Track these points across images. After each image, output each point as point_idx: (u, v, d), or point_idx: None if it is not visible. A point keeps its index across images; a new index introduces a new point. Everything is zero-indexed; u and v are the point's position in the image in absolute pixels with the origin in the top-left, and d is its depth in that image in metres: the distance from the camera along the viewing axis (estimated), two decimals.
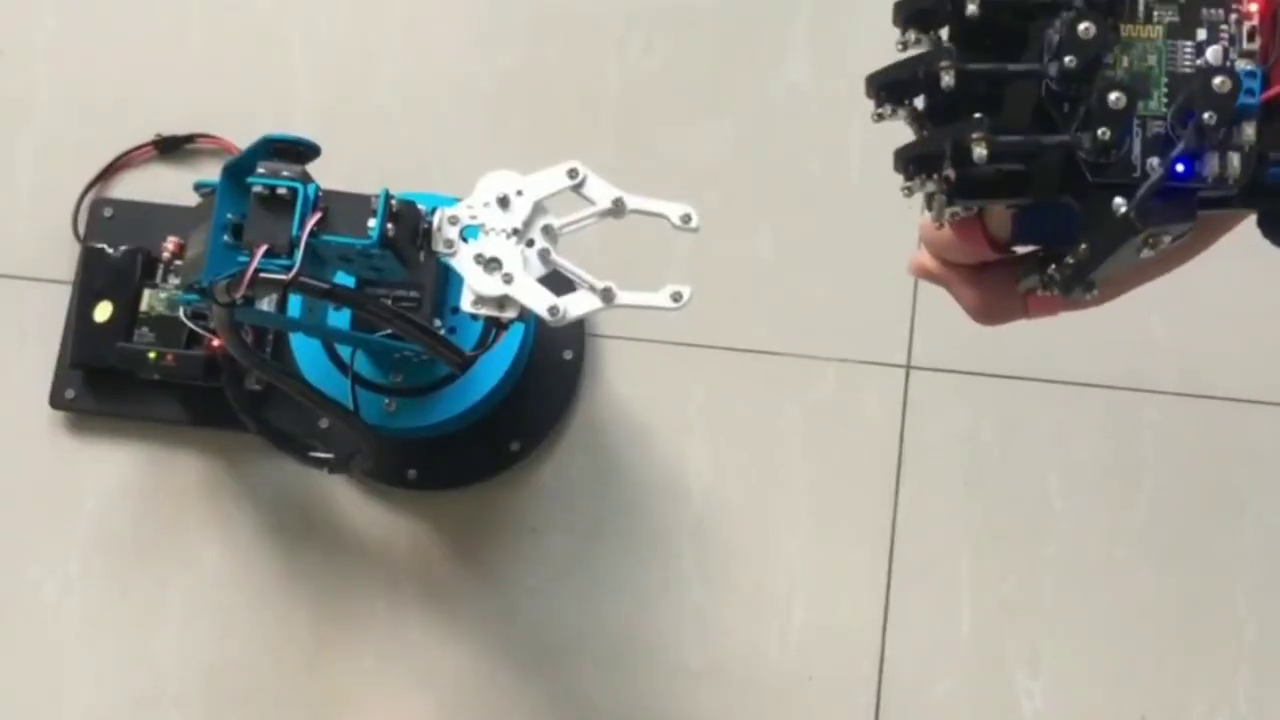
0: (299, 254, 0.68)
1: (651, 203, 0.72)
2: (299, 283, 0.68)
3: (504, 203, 0.71)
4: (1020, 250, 0.47)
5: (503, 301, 0.70)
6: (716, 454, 0.93)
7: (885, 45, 0.99)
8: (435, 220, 0.71)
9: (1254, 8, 0.39)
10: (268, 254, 0.68)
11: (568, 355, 0.94)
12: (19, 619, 0.93)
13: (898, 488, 0.92)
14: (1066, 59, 0.39)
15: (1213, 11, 0.39)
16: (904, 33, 0.44)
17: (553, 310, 0.69)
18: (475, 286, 0.69)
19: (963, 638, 0.90)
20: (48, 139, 1.01)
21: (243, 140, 0.97)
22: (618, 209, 0.71)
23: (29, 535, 0.94)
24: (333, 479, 0.93)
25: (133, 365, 0.91)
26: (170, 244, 0.95)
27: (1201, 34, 0.39)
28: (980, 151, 0.39)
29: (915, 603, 0.90)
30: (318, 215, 0.69)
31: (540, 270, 0.70)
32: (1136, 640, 0.89)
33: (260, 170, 0.70)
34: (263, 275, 0.67)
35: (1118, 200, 0.39)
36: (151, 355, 0.91)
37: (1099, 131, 0.39)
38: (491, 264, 0.70)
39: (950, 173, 0.41)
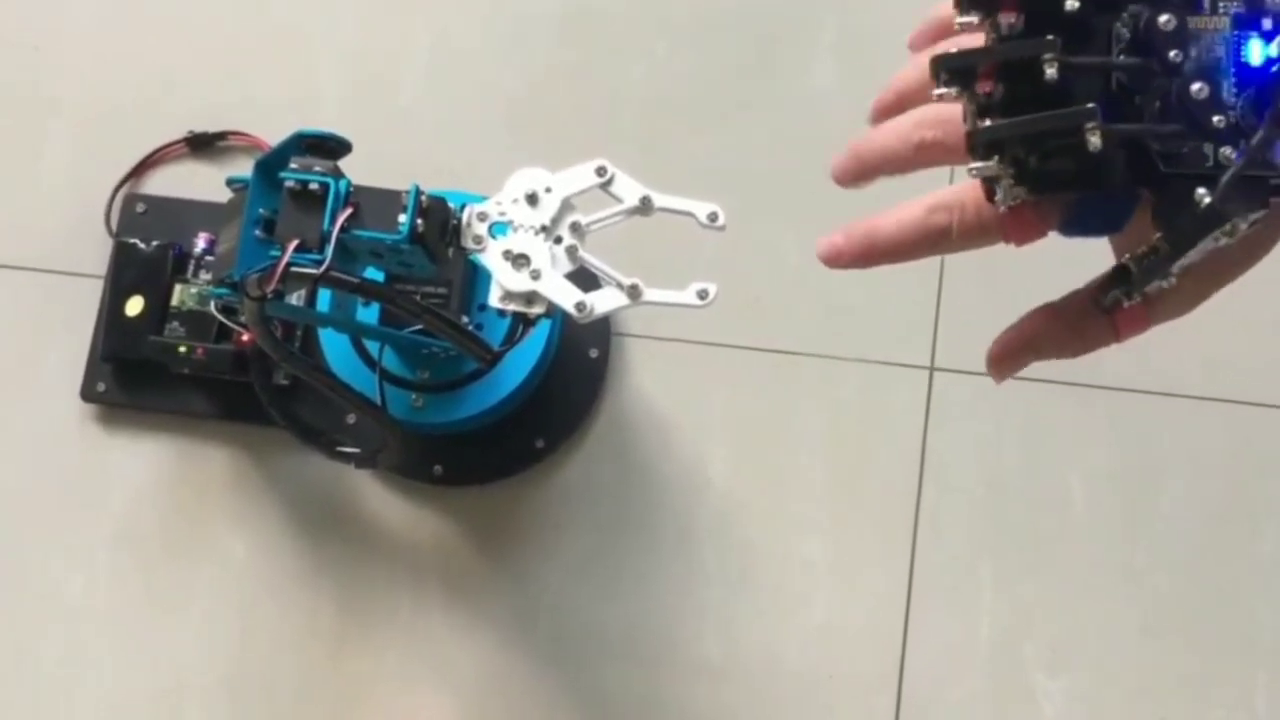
0: (330, 249, 0.68)
1: (679, 201, 0.72)
2: (330, 277, 0.69)
3: (533, 200, 0.71)
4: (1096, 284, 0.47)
5: (530, 297, 0.70)
6: (739, 453, 0.94)
7: (907, 51, 0.99)
8: (464, 216, 0.71)
9: None
10: (299, 249, 0.69)
11: (593, 353, 0.95)
12: (45, 609, 0.94)
13: (920, 489, 0.92)
14: (1171, 53, 0.39)
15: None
16: (963, 13, 0.43)
17: (580, 306, 0.69)
18: (503, 282, 0.70)
19: (983, 639, 0.90)
20: (81, 135, 1.02)
21: (273, 138, 0.98)
22: (645, 207, 0.72)
23: (57, 526, 0.95)
24: (359, 474, 0.94)
25: (163, 359, 0.92)
26: (201, 239, 0.96)
27: (1267, 23, 0.39)
28: (1095, 141, 0.39)
29: (936, 603, 0.91)
30: (349, 210, 0.70)
31: (568, 267, 0.71)
32: (1156, 644, 0.89)
33: (292, 165, 0.70)
34: (294, 269, 0.68)
35: (1200, 191, 0.39)
36: (182, 349, 0.92)
37: (1213, 119, 0.39)
38: (520, 260, 0.70)
39: (1033, 160, 0.41)
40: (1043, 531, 0.91)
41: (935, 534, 0.91)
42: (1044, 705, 0.89)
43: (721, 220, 0.71)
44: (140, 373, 0.95)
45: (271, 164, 0.71)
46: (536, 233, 0.71)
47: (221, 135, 1.00)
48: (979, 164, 0.43)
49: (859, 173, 0.53)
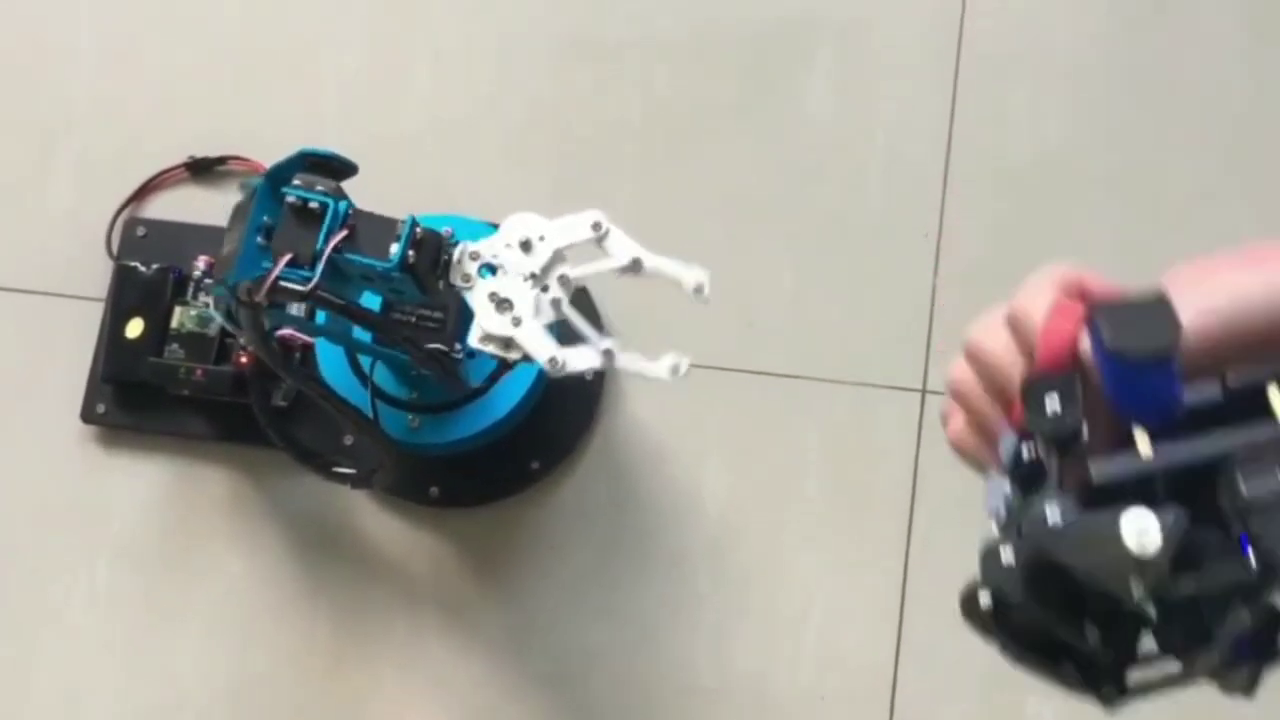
0: (320, 267, 0.69)
1: (669, 264, 0.73)
2: (316, 295, 0.70)
3: (526, 246, 0.72)
4: None
5: (508, 343, 0.71)
6: (733, 475, 0.94)
7: (903, 80, 1.01)
8: (457, 254, 0.72)
9: None
10: (291, 263, 0.70)
11: (589, 376, 0.95)
12: (46, 628, 0.95)
13: (912, 510, 0.93)
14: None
15: None
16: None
17: (552, 361, 0.70)
18: (484, 324, 0.71)
19: (975, 659, 0.91)
20: (83, 160, 1.03)
21: (272, 160, 0.99)
22: (635, 267, 0.73)
23: (57, 546, 0.96)
24: (355, 496, 0.95)
25: (163, 380, 0.93)
26: (201, 262, 0.97)
27: None
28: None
29: (928, 624, 0.91)
30: (344, 233, 0.71)
31: (550, 317, 0.72)
32: None
33: (296, 182, 0.71)
34: (282, 283, 0.69)
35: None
36: (181, 371, 0.93)
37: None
38: (504, 304, 0.71)
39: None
40: None
41: (927, 555, 0.92)
42: None
43: (707, 292, 0.72)
44: (140, 394, 0.96)
45: (280, 175, 0.72)
46: (525, 279, 0.72)
47: (221, 160, 1.01)
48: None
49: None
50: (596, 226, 0.73)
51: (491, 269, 0.72)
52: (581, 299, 0.96)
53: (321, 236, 0.70)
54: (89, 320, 0.98)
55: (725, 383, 0.96)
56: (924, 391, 0.95)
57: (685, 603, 0.93)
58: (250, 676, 0.94)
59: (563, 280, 0.72)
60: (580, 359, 0.71)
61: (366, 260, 0.71)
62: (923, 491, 0.93)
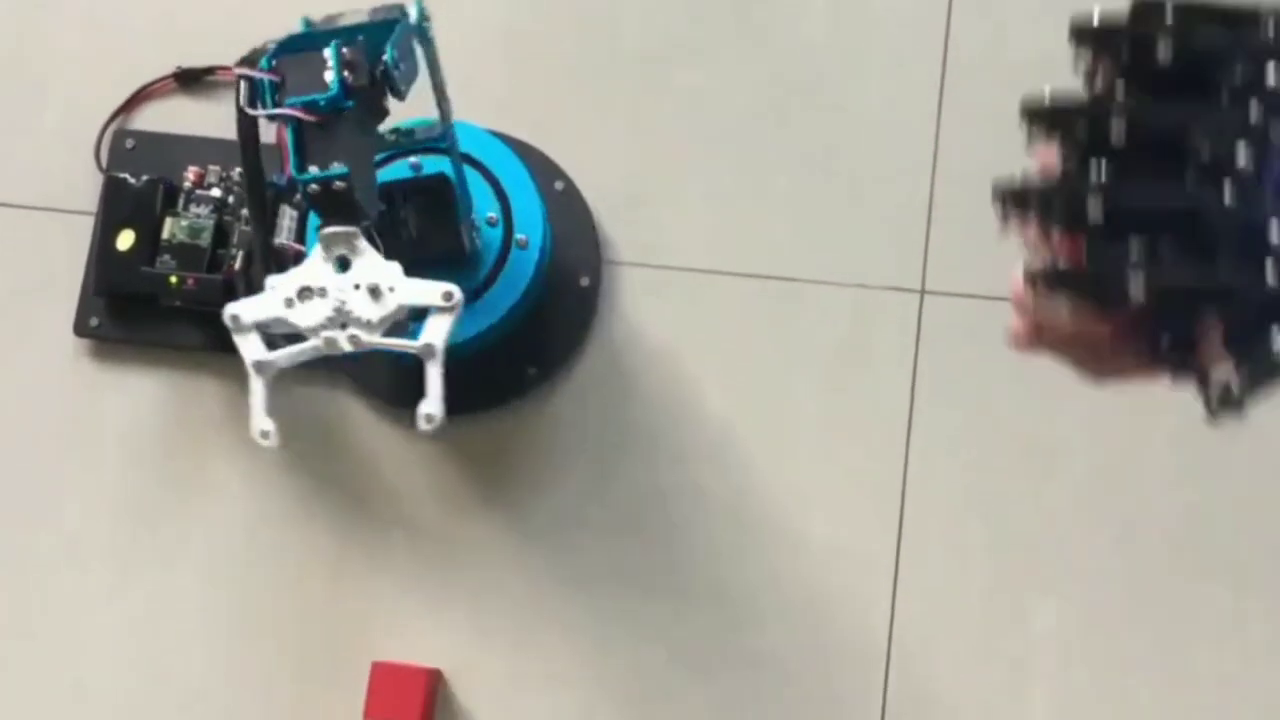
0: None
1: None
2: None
3: (374, 292, 0.73)
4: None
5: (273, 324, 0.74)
6: (732, 378, 0.94)
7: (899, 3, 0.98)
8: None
9: None
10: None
11: (584, 281, 0.95)
12: (45, 543, 0.95)
13: (912, 408, 0.92)
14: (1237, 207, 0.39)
15: None
16: (1040, 130, 0.44)
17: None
18: (281, 288, 0.73)
19: (975, 561, 0.90)
20: (70, 74, 1.02)
21: None
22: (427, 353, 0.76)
23: (54, 462, 0.96)
24: (352, 404, 0.94)
25: (155, 290, 0.93)
26: (191, 173, 0.96)
27: None
28: (1137, 294, 0.40)
29: (928, 522, 0.91)
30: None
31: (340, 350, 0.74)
32: (1146, 560, 0.90)
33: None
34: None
35: (1278, 341, 0.39)
36: (173, 280, 0.92)
37: (1272, 281, 0.39)
38: (305, 293, 0.73)
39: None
40: (1034, 453, 0.91)
41: (926, 451, 0.92)
42: (1034, 622, 0.89)
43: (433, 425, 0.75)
44: (133, 307, 0.95)
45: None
46: (335, 304, 0.72)
47: (210, 70, 1.00)
48: (1047, 297, 0.45)
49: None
50: (448, 296, 0.73)
51: (344, 263, 0.72)
52: (575, 200, 0.96)
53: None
54: (80, 234, 0.98)
55: (722, 286, 0.95)
56: (922, 292, 0.94)
57: (686, 509, 0.92)
58: (251, 587, 0.94)
59: (352, 338, 0.73)
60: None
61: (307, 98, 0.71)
62: (921, 390, 0.92)
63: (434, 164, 0.86)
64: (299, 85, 0.70)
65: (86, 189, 0.98)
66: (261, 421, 0.73)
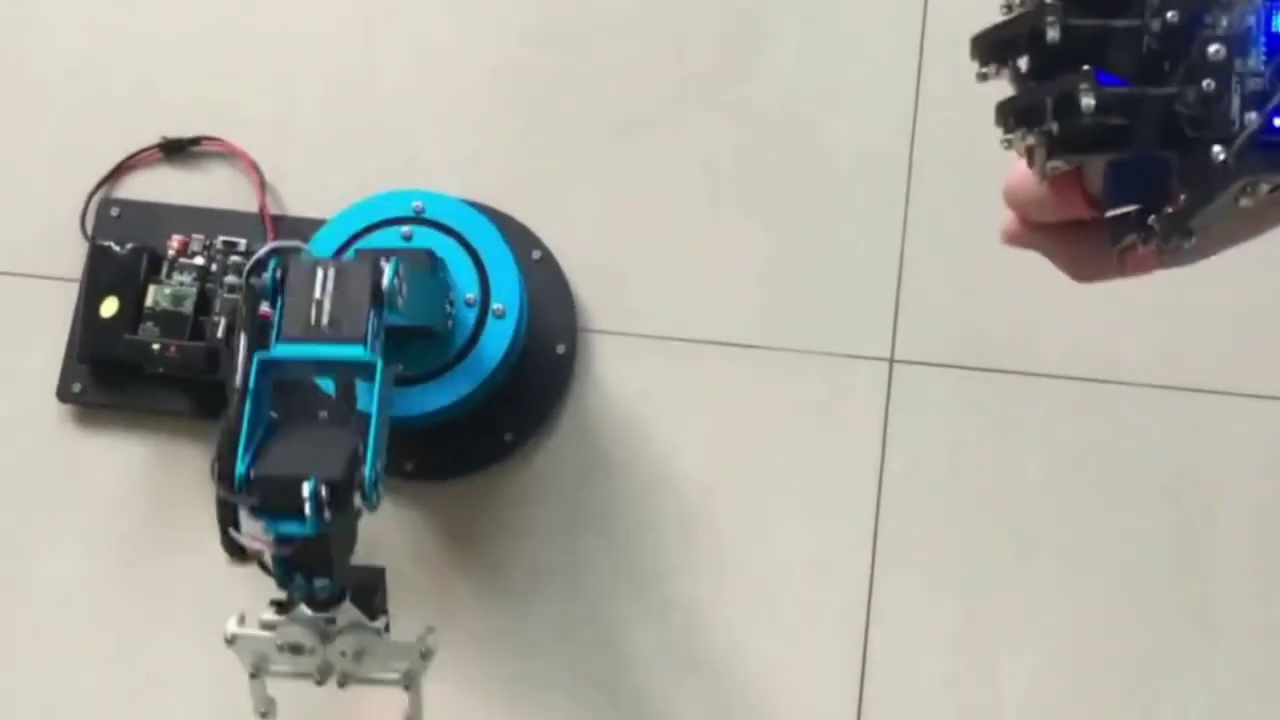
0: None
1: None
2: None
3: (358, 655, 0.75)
4: (1112, 214, 0.48)
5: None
6: (705, 445, 0.96)
7: (870, 46, 1.02)
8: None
9: None
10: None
11: (560, 349, 0.97)
12: (29, 608, 0.96)
13: (881, 477, 0.94)
14: (1169, 14, 0.41)
15: None
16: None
17: None
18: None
19: (945, 617, 0.92)
20: (57, 141, 1.04)
21: (247, 143, 1.01)
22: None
23: (38, 525, 0.97)
24: None
25: (138, 357, 0.94)
26: (174, 241, 0.98)
27: None
28: (1088, 101, 0.41)
29: (899, 588, 0.92)
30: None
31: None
32: (1113, 623, 0.91)
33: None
34: None
35: (1216, 148, 0.40)
36: (156, 348, 0.94)
37: (1203, 84, 0.40)
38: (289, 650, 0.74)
39: (1054, 126, 0.42)
40: (1003, 517, 0.93)
41: (897, 519, 0.93)
42: (1006, 685, 0.91)
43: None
44: (116, 373, 0.97)
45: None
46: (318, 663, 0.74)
47: (195, 140, 1.02)
48: (1008, 135, 0.45)
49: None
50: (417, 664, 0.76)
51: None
52: (551, 269, 0.98)
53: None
54: (64, 300, 0.99)
55: (695, 354, 0.97)
56: (891, 361, 0.96)
57: (659, 571, 0.94)
58: (231, 656, 0.95)
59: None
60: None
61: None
62: (891, 457, 0.94)
63: (425, 236, 0.88)
64: (276, 507, 0.68)
65: (72, 256, 1.00)
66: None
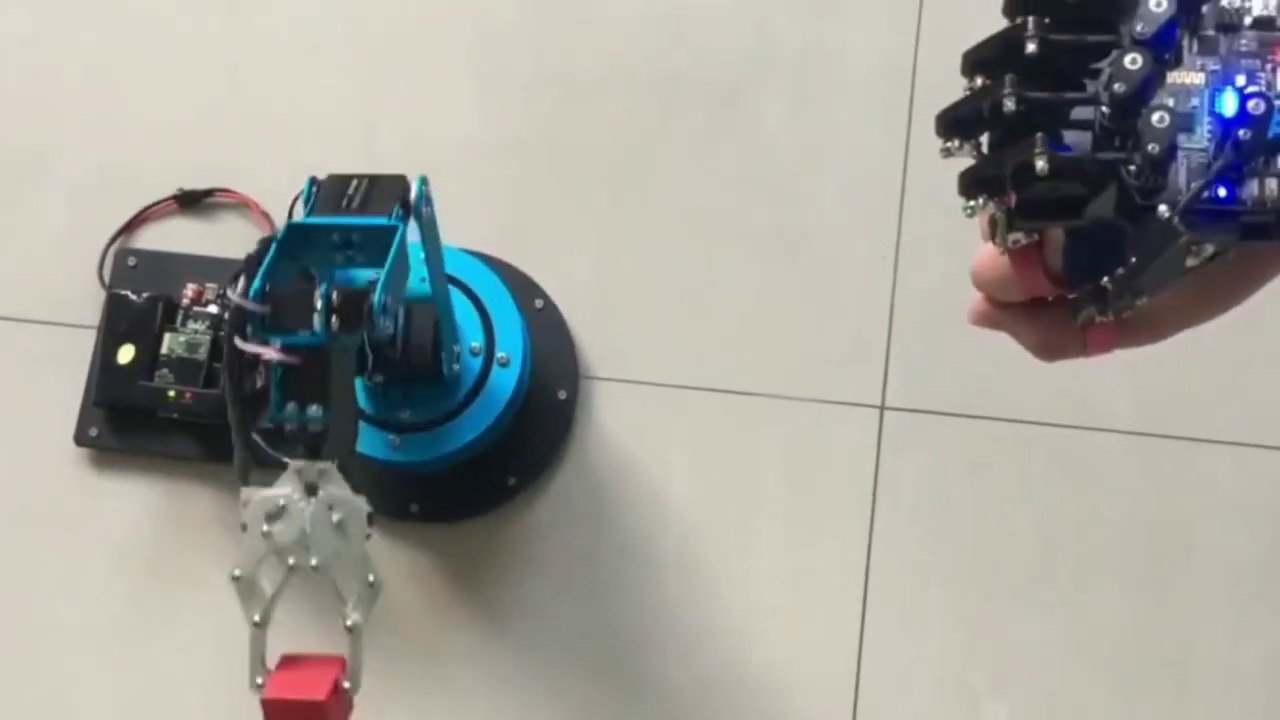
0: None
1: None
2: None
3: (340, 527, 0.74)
4: (1074, 296, 0.50)
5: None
6: (702, 490, 0.99)
7: (859, 103, 1.05)
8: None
9: None
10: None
11: (562, 395, 1.00)
12: (43, 646, 0.99)
13: (872, 521, 0.97)
14: (1116, 85, 0.43)
15: (1251, 61, 0.44)
16: (970, 79, 0.47)
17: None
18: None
19: (933, 661, 0.95)
20: (76, 193, 1.07)
21: (260, 194, 1.04)
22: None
23: (54, 566, 1.00)
24: None
25: (153, 403, 0.97)
26: (189, 290, 1.01)
27: (1240, 79, 0.44)
28: (1042, 164, 0.43)
29: (889, 628, 0.95)
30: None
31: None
32: (1094, 666, 0.94)
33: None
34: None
35: (1162, 207, 0.42)
36: (171, 394, 0.97)
37: (1149, 147, 0.42)
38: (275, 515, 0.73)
39: (1012, 194, 0.45)
40: (989, 560, 0.96)
41: (887, 563, 0.96)
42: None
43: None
44: (131, 418, 1.00)
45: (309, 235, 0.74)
46: (301, 528, 0.73)
47: (209, 192, 1.05)
48: (970, 203, 0.47)
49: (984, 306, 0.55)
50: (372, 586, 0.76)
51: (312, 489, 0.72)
52: (553, 317, 1.01)
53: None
54: (82, 347, 1.02)
55: (693, 400, 1.00)
56: (882, 408, 0.99)
57: (658, 611, 0.97)
58: (241, 689, 0.97)
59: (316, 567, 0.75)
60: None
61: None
62: (882, 502, 0.97)
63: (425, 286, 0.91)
64: (287, 321, 0.70)
65: (89, 304, 1.03)
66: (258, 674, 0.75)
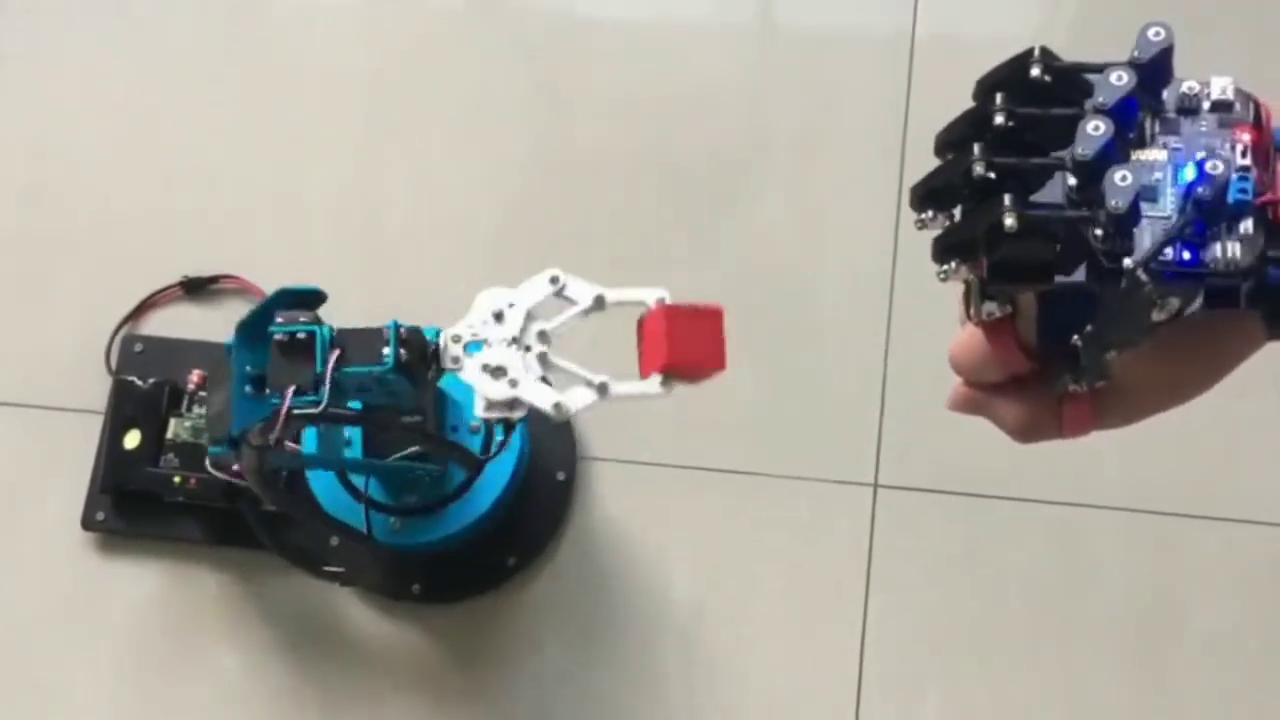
0: (325, 388, 0.75)
1: (629, 293, 0.78)
2: (329, 414, 0.75)
3: (499, 316, 0.77)
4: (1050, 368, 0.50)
5: (511, 404, 0.75)
6: (698, 566, 1.00)
7: (852, 192, 1.07)
8: (441, 340, 0.78)
9: (1246, 138, 0.45)
10: (296, 393, 0.75)
11: (560, 476, 1.01)
12: None
13: (867, 597, 0.98)
14: (1079, 149, 0.44)
15: (1211, 140, 0.45)
16: (943, 158, 0.48)
17: (557, 406, 0.74)
18: (485, 393, 0.75)
19: None
20: (84, 280, 1.10)
21: (265, 281, 1.06)
22: (599, 304, 0.78)
23: (59, 649, 1.01)
24: (342, 594, 1.00)
25: (159, 489, 0.99)
26: (195, 376, 1.03)
27: (1201, 154, 0.45)
28: (1010, 221, 0.44)
29: (884, 704, 0.96)
30: (337, 352, 0.76)
31: (539, 371, 0.76)
32: None
33: (279, 320, 0.77)
34: (296, 413, 0.74)
35: (1128, 260, 0.43)
36: (176, 479, 0.99)
37: (1111, 204, 0.43)
38: (497, 371, 0.76)
39: (984, 259, 0.45)
40: (983, 636, 0.97)
41: (883, 640, 0.98)
42: None
43: (668, 300, 0.77)
44: (137, 502, 1.02)
45: (252, 324, 0.78)
46: (508, 345, 0.77)
47: (214, 279, 1.08)
48: (943, 268, 0.48)
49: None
50: (554, 280, 0.79)
51: (476, 346, 0.77)
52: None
53: (319, 360, 0.76)
54: (89, 432, 1.04)
55: (690, 480, 1.02)
56: (875, 486, 1.01)
57: (656, 691, 0.98)
58: None
59: (541, 335, 0.77)
60: (579, 398, 0.75)
61: (364, 369, 0.77)
62: (876, 579, 0.99)
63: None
64: (357, 356, 0.76)
65: (96, 390, 1.05)
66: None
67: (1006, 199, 0.45)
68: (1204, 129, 0.46)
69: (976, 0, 1.15)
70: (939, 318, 1.03)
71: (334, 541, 1.00)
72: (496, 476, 0.95)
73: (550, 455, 1.02)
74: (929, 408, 1.02)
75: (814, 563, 1.00)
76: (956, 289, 0.51)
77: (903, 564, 0.99)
